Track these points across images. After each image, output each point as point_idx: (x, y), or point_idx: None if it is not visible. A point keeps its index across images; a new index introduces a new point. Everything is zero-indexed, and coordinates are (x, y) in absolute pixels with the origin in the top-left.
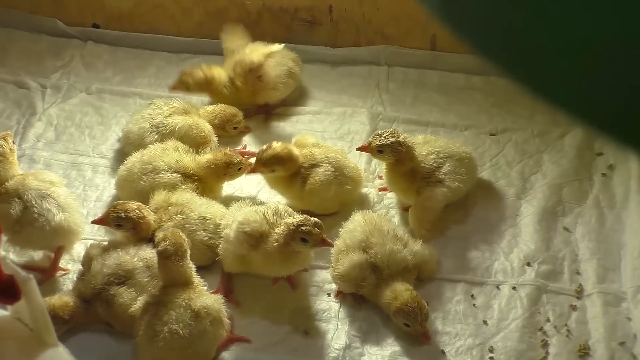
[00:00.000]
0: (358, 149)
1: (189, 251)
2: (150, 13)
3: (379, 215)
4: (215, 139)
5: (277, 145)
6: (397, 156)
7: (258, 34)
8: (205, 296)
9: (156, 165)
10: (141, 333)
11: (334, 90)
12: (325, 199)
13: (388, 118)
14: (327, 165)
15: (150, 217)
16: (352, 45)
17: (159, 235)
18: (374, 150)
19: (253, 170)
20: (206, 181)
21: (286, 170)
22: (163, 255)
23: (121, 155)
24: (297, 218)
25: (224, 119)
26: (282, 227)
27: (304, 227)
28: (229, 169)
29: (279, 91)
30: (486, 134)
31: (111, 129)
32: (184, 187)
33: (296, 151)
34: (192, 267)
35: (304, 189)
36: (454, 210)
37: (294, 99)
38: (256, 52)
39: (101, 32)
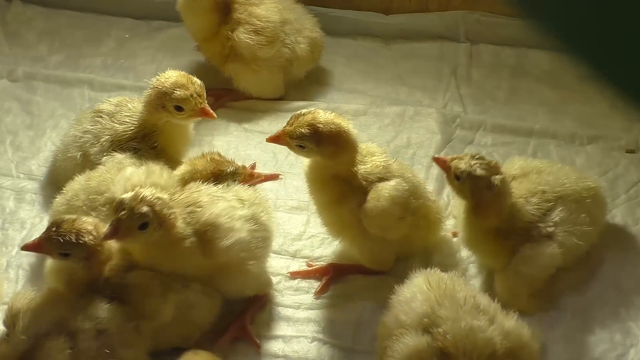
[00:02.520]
0: (435, 160)
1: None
2: None
3: (451, 276)
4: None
5: (321, 112)
6: (477, 199)
7: None
8: None
9: (109, 196)
10: None
11: (387, 79)
12: (388, 228)
13: (469, 124)
14: (401, 181)
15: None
16: (416, 10)
17: None
18: (452, 175)
19: (276, 138)
20: None
21: (328, 156)
22: None
23: (59, 177)
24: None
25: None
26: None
27: None
28: (220, 180)
29: (260, 74)
30: (621, 150)
31: (45, 134)
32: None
33: (353, 131)
34: None
35: (363, 209)
36: (568, 269)
37: (319, 91)
38: None
39: None
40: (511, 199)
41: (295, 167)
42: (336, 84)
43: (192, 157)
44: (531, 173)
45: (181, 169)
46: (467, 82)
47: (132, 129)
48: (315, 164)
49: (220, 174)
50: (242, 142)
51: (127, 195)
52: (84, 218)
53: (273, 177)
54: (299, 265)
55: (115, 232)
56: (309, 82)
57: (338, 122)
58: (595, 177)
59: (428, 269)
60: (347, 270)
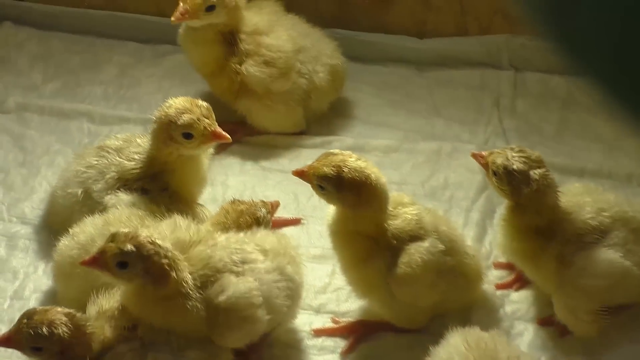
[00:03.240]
0: (473, 156)
1: None
2: None
3: (492, 335)
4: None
5: (346, 154)
6: (516, 196)
7: (290, 12)
8: None
9: None
10: None
11: (421, 111)
12: (419, 296)
13: None
14: (437, 241)
15: (95, 328)
16: (454, 34)
17: None
18: (490, 171)
19: (301, 172)
20: None
21: (349, 206)
22: None
23: (56, 217)
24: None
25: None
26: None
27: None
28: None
29: (276, 110)
30: None
31: (39, 173)
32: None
33: (384, 188)
34: None
35: (392, 274)
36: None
37: (345, 124)
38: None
39: (26, 5)
40: (557, 198)
41: (319, 210)
42: (364, 116)
43: (214, 217)
44: (595, 192)
45: (212, 219)
46: (511, 114)
47: (141, 167)
48: (339, 214)
49: (256, 221)
50: (259, 181)
51: (124, 230)
52: (56, 309)
53: (294, 221)
54: (324, 322)
55: (94, 260)
56: (333, 114)
57: (368, 172)
58: None
59: (466, 328)
60: (376, 327)
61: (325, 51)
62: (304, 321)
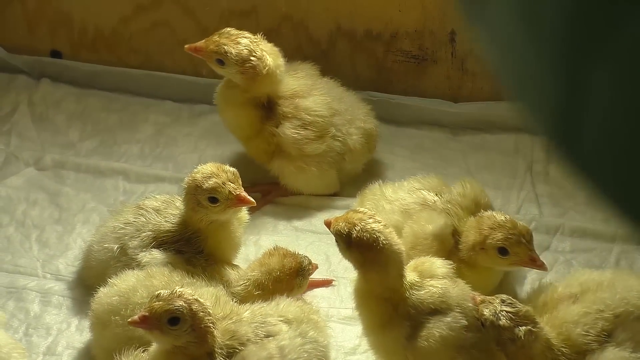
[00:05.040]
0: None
1: None
2: (148, 34)
3: None
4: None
5: (368, 213)
6: (502, 348)
7: (327, 75)
8: None
9: None
10: None
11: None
12: None
13: (546, 227)
14: (460, 316)
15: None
16: (488, 98)
17: None
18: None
19: (328, 224)
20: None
21: (358, 266)
22: None
23: (90, 272)
24: None
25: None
26: None
27: None
28: (298, 279)
29: (309, 172)
30: None
31: (75, 230)
32: None
33: (395, 246)
34: None
35: (411, 346)
36: None
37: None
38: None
39: (65, 63)
40: (542, 344)
41: (350, 271)
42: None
43: (258, 260)
44: (589, 291)
45: (252, 276)
46: (544, 179)
47: (177, 229)
48: (359, 274)
49: (301, 268)
50: (291, 242)
51: (166, 291)
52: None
53: (326, 282)
54: None
55: (144, 320)
56: (367, 176)
57: (378, 235)
58: None
59: None
60: None
61: (359, 115)
62: None
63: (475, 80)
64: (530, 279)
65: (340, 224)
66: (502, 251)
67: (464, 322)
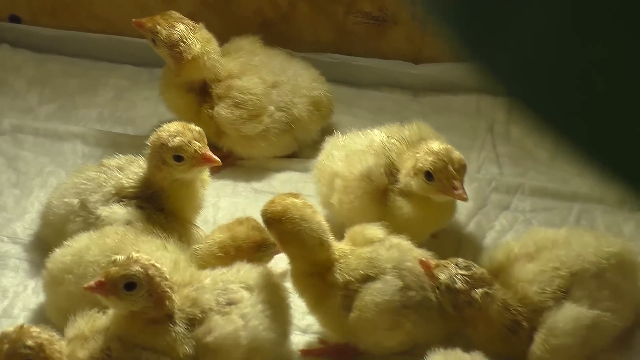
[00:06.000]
0: (421, 263)
1: None
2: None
3: (474, 357)
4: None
5: (292, 197)
6: (459, 312)
7: (288, 37)
8: None
9: None
10: None
11: None
12: (380, 341)
13: (506, 187)
14: (394, 278)
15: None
16: (450, 59)
17: None
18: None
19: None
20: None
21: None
22: None
23: (49, 230)
24: None
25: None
26: None
27: None
28: (259, 253)
29: (256, 145)
30: None
31: (32, 194)
32: None
33: (308, 223)
34: None
35: (349, 316)
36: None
37: None
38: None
39: (23, 28)
40: (499, 305)
41: None
42: None
43: (227, 224)
44: (545, 249)
45: (218, 237)
46: (505, 140)
47: (138, 186)
48: (289, 258)
49: (264, 243)
50: (250, 203)
51: (122, 256)
52: (32, 327)
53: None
54: (311, 342)
55: (100, 285)
56: (326, 138)
57: (288, 207)
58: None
59: (448, 349)
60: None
61: (304, 84)
62: (291, 341)
63: (436, 41)
64: (491, 238)
65: (267, 207)
66: (428, 175)
67: (399, 283)
